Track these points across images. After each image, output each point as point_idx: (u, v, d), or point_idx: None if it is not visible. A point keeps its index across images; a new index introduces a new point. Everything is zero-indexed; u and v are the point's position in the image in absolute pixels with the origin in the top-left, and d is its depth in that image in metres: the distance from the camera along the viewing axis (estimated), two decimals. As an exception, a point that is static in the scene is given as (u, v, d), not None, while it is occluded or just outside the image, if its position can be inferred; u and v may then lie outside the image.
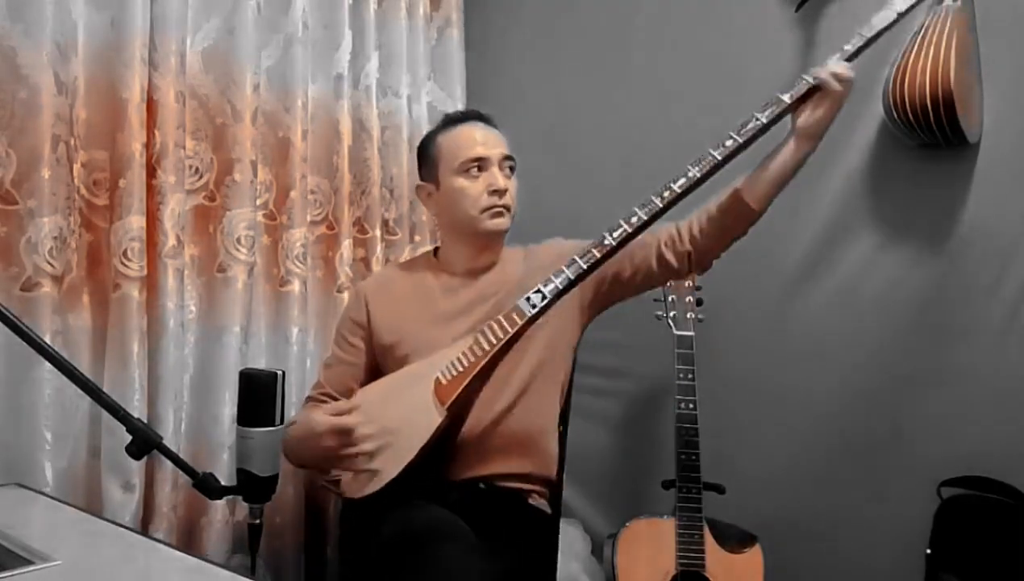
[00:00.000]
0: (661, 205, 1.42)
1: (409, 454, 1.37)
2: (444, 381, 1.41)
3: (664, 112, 2.22)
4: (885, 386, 1.93)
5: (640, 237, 1.55)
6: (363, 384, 1.60)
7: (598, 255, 1.42)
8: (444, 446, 1.43)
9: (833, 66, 1.41)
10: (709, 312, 1.89)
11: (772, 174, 1.48)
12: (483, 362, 1.40)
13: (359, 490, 1.39)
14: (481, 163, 1.55)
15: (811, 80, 1.42)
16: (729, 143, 1.42)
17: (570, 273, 1.43)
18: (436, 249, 1.70)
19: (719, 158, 1.42)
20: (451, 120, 1.64)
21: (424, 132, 1.78)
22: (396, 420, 1.40)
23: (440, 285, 1.62)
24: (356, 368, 1.61)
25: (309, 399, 1.62)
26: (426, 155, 1.64)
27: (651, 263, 1.57)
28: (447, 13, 2.46)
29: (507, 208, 1.57)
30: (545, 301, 1.42)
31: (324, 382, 1.62)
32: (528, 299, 1.42)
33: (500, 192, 1.55)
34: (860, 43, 1.44)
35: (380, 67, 2.22)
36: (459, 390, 1.39)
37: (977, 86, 1.77)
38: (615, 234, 1.43)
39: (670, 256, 1.56)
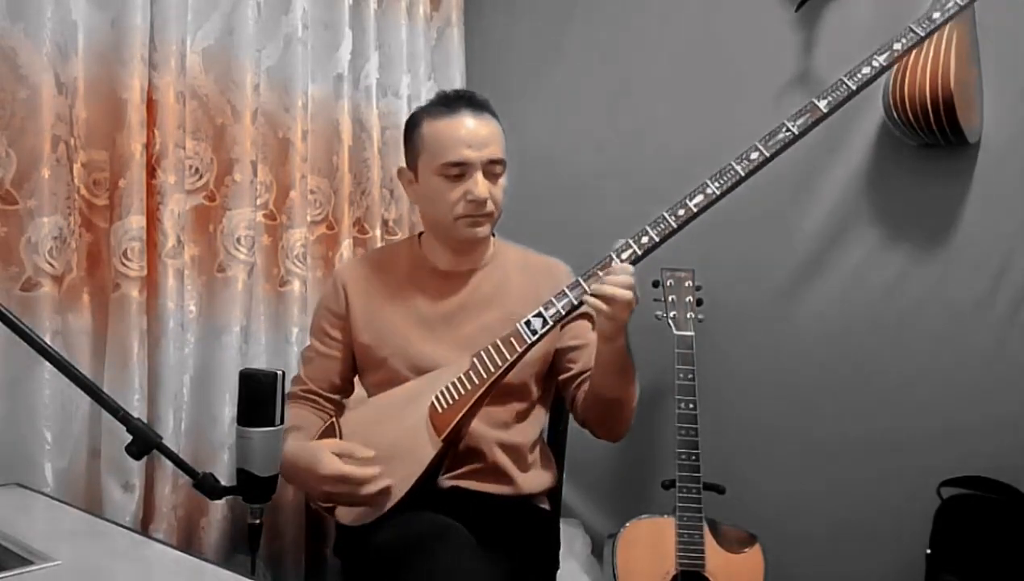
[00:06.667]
0: (675, 225, 1.31)
1: (405, 485, 1.34)
2: (440, 409, 1.35)
3: (664, 112, 2.22)
4: (885, 385, 1.93)
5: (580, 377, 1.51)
6: (345, 377, 1.56)
7: (604, 278, 1.31)
8: (439, 465, 1.40)
9: (606, 287, 1.27)
10: (709, 312, 1.89)
11: (601, 394, 1.44)
12: (480, 391, 1.34)
13: (354, 519, 1.36)
14: (463, 168, 1.43)
15: (574, 300, 1.32)
16: (755, 156, 1.28)
17: (573, 297, 1.34)
18: (420, 234, 1.62)
19: (742, 173, 1.29)
20: (441, 102, 1.49)
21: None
22: (390, 446, 1.36)
23: (422, 284, 1.54)
24: (337, 362, 1.55)
25: (291, 396, 1.55)
26: (410, 138, 1.52)
27: (564, 391, 1.56)
28: (447, 13, 2.46)
29: (488, 216, 1.47)
30: (546, 327, 1.35)
31: (306, 378, 1.56)
32: (528, 323, 1.34)
33: (479, 202, 1.44)
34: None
35: (380, 67, 2.21)
36: (455, 421, 1.34)
37: (977, 86, 1.77)
38: (624, 255, 1.32)
39: (569, 405, 1.55)
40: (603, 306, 1.27)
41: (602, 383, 1.44)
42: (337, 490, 1.34)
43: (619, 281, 1.28)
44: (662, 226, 1.31)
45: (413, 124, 1.52)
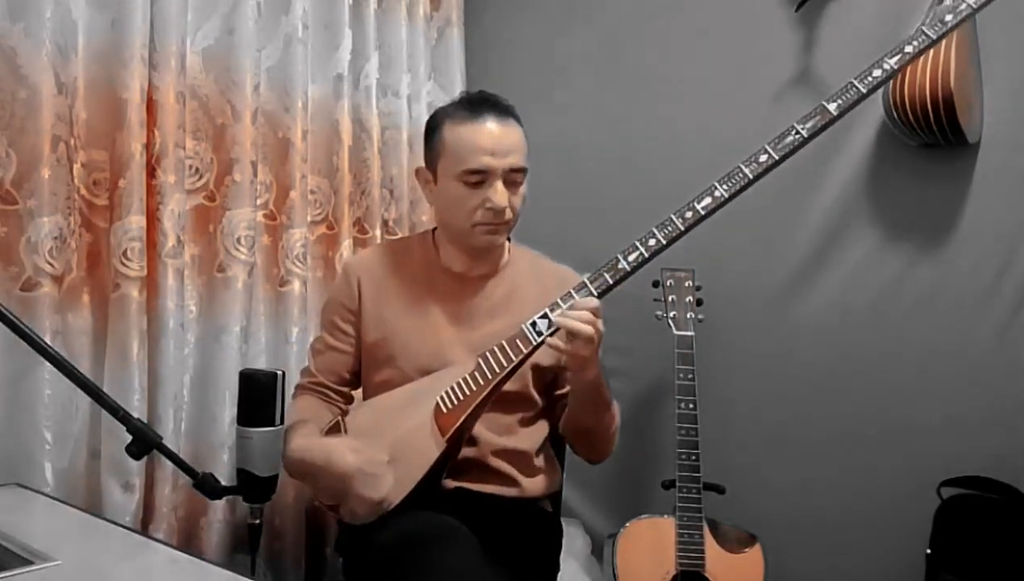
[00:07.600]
0: (683, 228, 1.29)
1: (409, 484, 1.33)
2: (444, 409, 1.35)
3: (664, 112, 2.22)
4: (885, 385, 1.93)
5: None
6: (354, 371, 1.55)
7: (610, 281, 1.30)
8: (443, 465, 1.39)
9: (567, 320, 1.27)
10: (709, 312, 1.89)
11: (575, 419, 1.44)
12: (485, 392, 1.34)
13: (357, 516, 1.35)
14: (483, 176, 1.39)
15: (554, 319, 1.30)
16: (763, 159, 1.27)
17: (578, 299, 1.31)
18: (434, 230, 1.59)
19: (751, 176, 1.27)
20: (465, 106, 1.46)
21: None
22: (396, 445, 1.36)
23: (435, 286, 1.52)
24: (348, 356, 1.53)
25: (300, 388, 1.55)
26: (430, 139, 1.47)
27: (555, 407, 1.55)
28: (447, 13, 2.46)
29: (505, 224, 1.44)
30: (551, 328, 1.32)
31: (316, 371, 1.54)
32: (534, 325, 1.32)
33: (497, 211, 1.40)
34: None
35: (380, 67, 2.21)
36: (459, 422, 1.33)
37: (977, 86, 1.78)
38: (630, 258, 1.30)
39: (555, 422, 1.55)
40: (576, 326, 1.27)
41: (575, 410, 1.46)
42: (364, 489, 1.32)
43: (580, 315, 1.28)
44: (669, 229, 1.30)
45: (434, 125, 1.48)
